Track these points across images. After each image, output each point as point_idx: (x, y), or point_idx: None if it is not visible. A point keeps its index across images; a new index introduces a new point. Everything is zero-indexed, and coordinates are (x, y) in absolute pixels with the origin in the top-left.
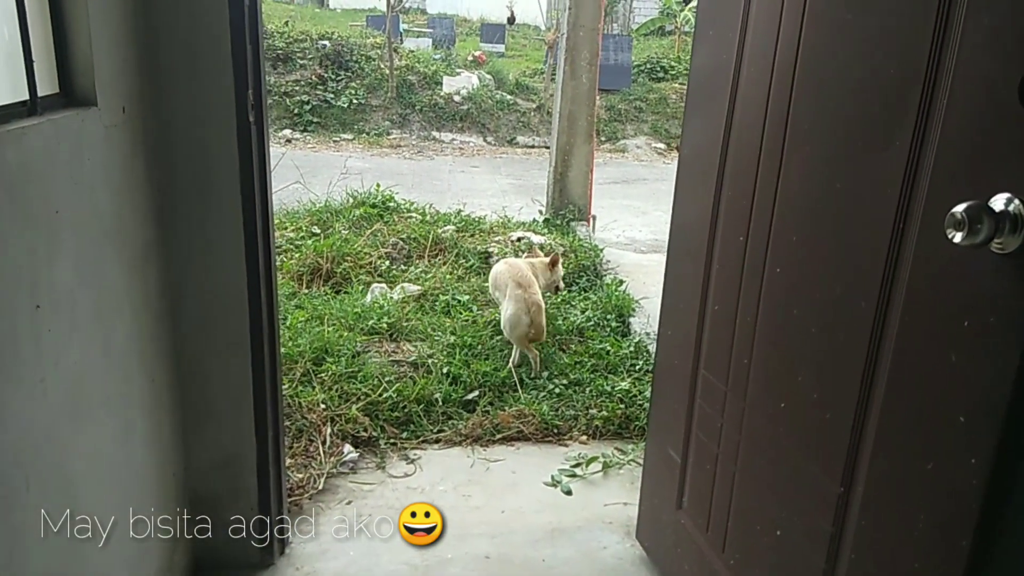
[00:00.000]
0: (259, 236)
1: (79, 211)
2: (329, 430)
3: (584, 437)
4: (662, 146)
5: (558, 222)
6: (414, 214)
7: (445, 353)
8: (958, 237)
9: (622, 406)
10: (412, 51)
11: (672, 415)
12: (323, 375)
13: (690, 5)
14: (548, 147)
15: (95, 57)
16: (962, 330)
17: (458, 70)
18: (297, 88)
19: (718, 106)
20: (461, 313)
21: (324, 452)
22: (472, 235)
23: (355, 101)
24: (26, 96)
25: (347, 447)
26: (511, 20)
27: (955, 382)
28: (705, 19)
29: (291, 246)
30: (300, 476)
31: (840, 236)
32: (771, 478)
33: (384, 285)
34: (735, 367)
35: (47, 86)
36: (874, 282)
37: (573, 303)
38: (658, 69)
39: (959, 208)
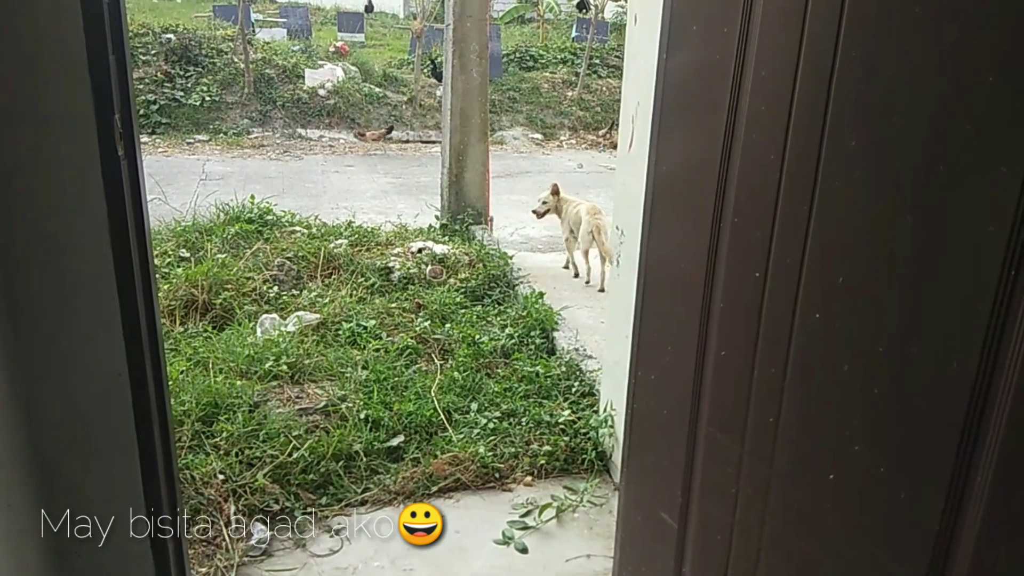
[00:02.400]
0: (140, 304)
1: None
2: (233, 507)
3: (529, 478)
4: (539, 136)
5: (456, 227)
6: (299, 228)
7: (359, 393)
8: None
9: (565, 438)
10: (267, 43)
11: (660, 472)
12: (217, 437)
13: None
14: (424, 141)
15: None
16: None
17: (320, 62)
18: (141, 87)
19: (711, 117)
20: (369, 342)
21: (230, 537)
22: (368, 249)
23: (208, 99)
24: None
25: (257, 526)
26: (369, 8)
27: None
28: (683, 14)
29: (157, 275)
30: (204, 571)
31: (914, 281)
32: (816, 561)
33: (275, 316)
34: (755, 426)
35: None
36: (972, 340)
37: (490, 319)
38: (527, 58)
39: None
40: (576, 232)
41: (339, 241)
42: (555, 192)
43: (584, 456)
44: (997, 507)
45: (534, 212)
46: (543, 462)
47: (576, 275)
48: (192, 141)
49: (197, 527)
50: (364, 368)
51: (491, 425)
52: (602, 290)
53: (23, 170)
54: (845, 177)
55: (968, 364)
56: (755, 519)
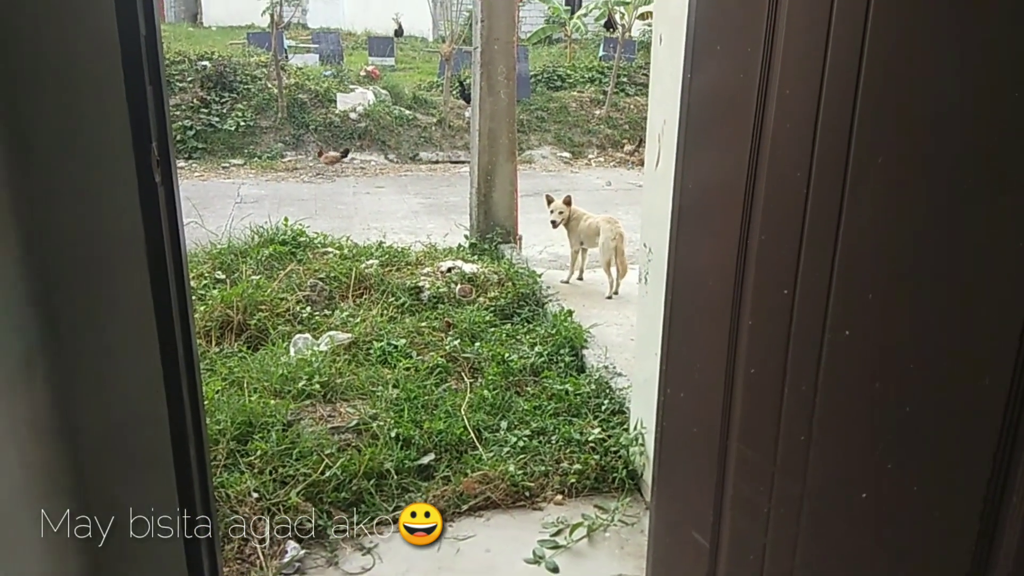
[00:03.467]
0: (177, 326)
1: None
2: (267, 525)
3: (559, 497)
4: (567, 155)
5: (485, 246)
6: (331, 249)
7: (390, 412)
8: None
9: (596, 456)
10: (300, 68)
11: (691, 491)
12: (251, 456)
13: (578, 13)
14: (453, 161)
15: None
16: None
17: (351, 86)
18: (178, 113)
19: (737, 134)
20: (400, 361)
21: (264, 555)
22: (398, 269)
23: (243, 123)
24: None
25: (290, 544)
26: (399, 32)
27: None
28: (707, 33)
29: (194, 297)
30: None
31: (945, 297)
32: None
33: (308, 335)
34: (786, 444)
35: None
36: (1005, 356)
37: (519, 337)
38: (555, 78)
39: None
40: (586, 244)
41: (370, 261)
42: (567, 202)
43: (615, 475)
44: None
45: (552, 223)
46: (573, 480)
47: (567, 281)
48: (227, 165)
49: (232, 545)
50: (395, 387)
51: (521, 443)
52: (610, 297)
53: (64, 197)
54: (873, 193)
55: (1001, 380)
56: (787, 538)
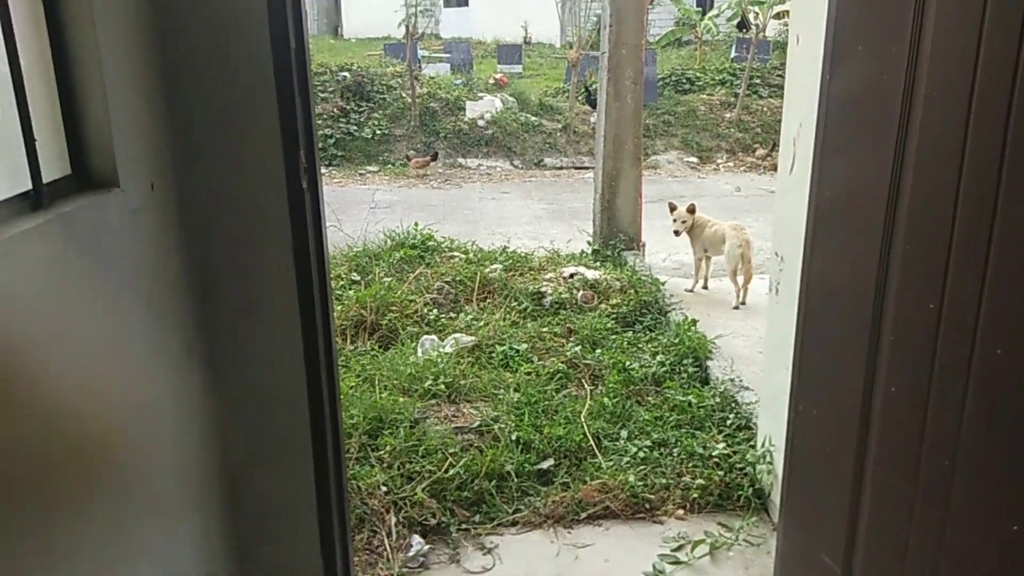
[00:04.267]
0: (319, 324)
1: (101, 314)
2: (394, 519)
3: (680, 511)
4: (694, 160)
5: (608, 252)
6: (457, 253)
7: (511, 415)
8: None
9: (720, 472)
10: (432, 77)
11: (822, 513)
12: (381, 451)
13: (710, 14)
14: (577, 167)
15: (114, 127)
16: None
17: (480, 94)
18: (320, 122)
19: (880, 140)
20: (521, 365)
21: (391, 547)
22: (521, 274)
23: (378, 132)
24: (28, 185)
25: (415, 538)
26: (527, 40)
27: None
28: (847, 33)
29: (332, 297)
30: None
31: None
32: None
33: (434, 337)
34: (928, 468)
35: (56, 169)
36: None
37: (641, 345)
38: (683, 81)
39: None
40: (711, 252)
41: (494, 266)
42: (691, 210)
43: (740, 492)
44: None
45: (675, 232)
46: (696, 495)
47: (691, 289)
48: (364, 172)
49: (361, 535)
50: (516, 390)
51: (641, 454)
52: (737, 307)
53: (222, 201)
54: None
55: None
56: (926, 567)
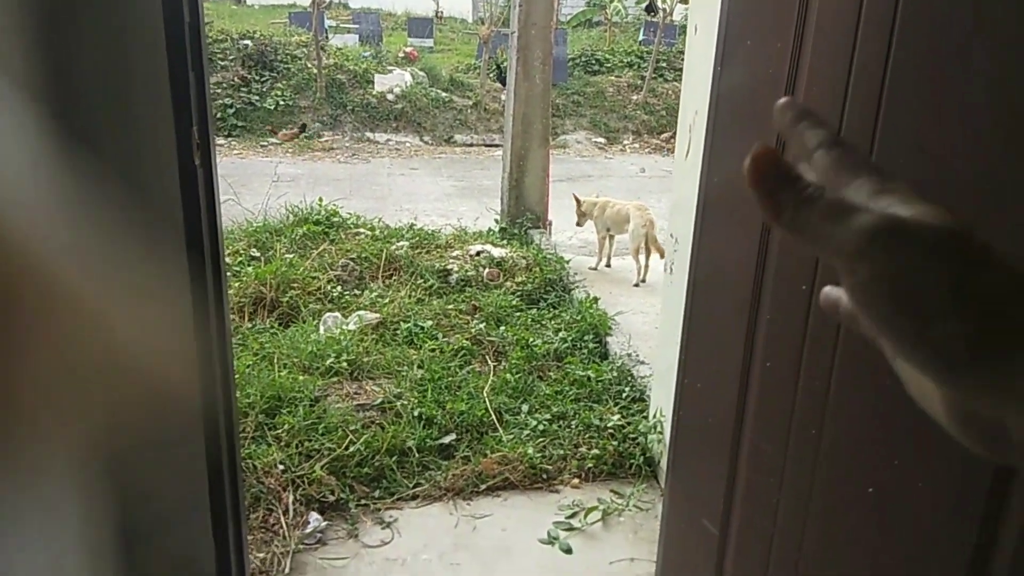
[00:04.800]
0: (211, 302)
1: None
2: (291, 497)
3: (576, 480)
4: (602, 140)
5: (515, 231)
6: (363, 230)
7: (414, 391)
8: None
9: (614, 442)
10: (340, 48)
11: (704, 480)
12: (279, 429)
13: None
14: (488, 145)
15: None
16: None
17: (389, 67)
18: (219, 91)
19: (763, 131)
20: (426, 342)
21: (287, 524)
22: (428, 251)
23: (282, 103)
24: None
25: (313, 515)
26: (439, 14)
27: None
28: (738, 28)
29: (229, 274)
30: (262, 556)
31: None
32: (853, 573)
33: (338, 314)
34: (797, 437)
35: None
36: None
37: (544, 322)
38: (593, 62)
39: None
40: (613, 231)
41: (400, 243)
42: (577, 201)
43: (632, 461)
44: None
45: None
46: (591, 465)
47: (595, 267)
48: (266, 144)
49: (256, 514)
50: (420, 367)
51: (541, 427)
52: (637, 285)
53: (108, 179)
54: None
55: None
56: (795, 529)
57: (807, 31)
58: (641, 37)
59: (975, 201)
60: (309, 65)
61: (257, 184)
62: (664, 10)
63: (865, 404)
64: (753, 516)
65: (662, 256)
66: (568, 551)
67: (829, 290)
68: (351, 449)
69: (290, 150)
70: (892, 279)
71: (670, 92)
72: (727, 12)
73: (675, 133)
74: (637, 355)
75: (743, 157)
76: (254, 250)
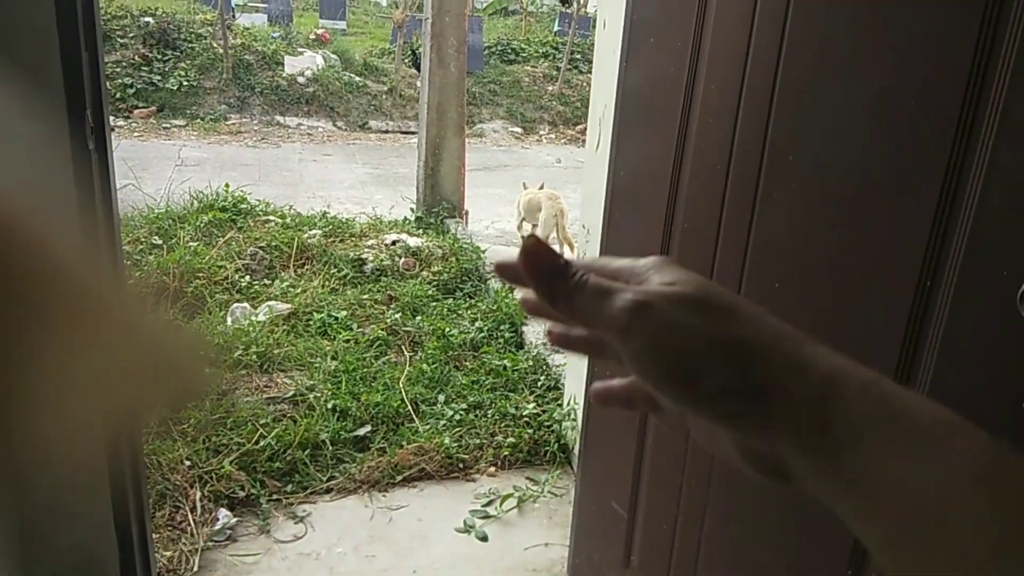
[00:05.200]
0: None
1: None
2: (199, 493)
3: (492, 469)
4: (519, 130)
5: (431, 220)
6: (273, 218)
7: (328, 383)
8: None
9: (529, 430)
10: (247, 28)
11: (613, 463)
12: (184, 424)
13: None
14: (404, 132)
15: None
16: (1019, 411)
17: (300, 49)
18: (118, 70)
19: (665, 126)
20: (340, 333)
21: (195, 521)
22: (342, 240)
23: (186, 83)
24: None
25: (222, 512)
26: None
27: None
28: (641, 26)
29: (129, 263)
30: (169, 554)
31: (842, 289)
32: (752, 552)
33: (246, 305)
34: None
35: None
36: (892, 343)
37: (461, 312)
38: (509, 51)
39: None
40: (527, 219)
41: (313, 231)
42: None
43: (547, 448)
44: None
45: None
46: (507, 453)
47: None
48: (168, 126)
49: (163, 512)
50: (334, 358)
51: (457, 416)
52: None
53: None
54: (783, 189)
55: (887, 368)
56: (698, 510)
57: (706, 30)
58: (556, 28)
59: (859, 177)
60: (215, 45)
61: (159, 168)
62: (578, 2)
63: None
64: (659, 499)
65: (571, 248)
66: (484, 538)
67: (596, 386)
68: (261, 443)
69: (195, 132)
70: (655, 345)
71: (585, 84)
72: (631, 10)
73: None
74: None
75: (648, 150)
76: (156, 238)
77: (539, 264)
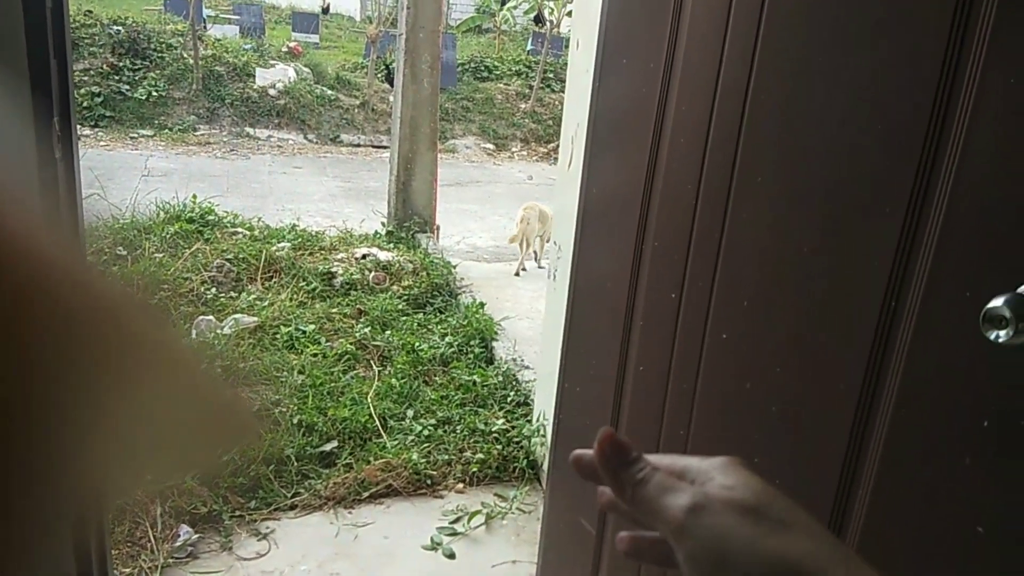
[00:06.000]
0: None
1: None
2: (159, 509)
3: (460, 485)
4: (491, 147)
5: (402, 234)
6: (241, 230)
7: (294, 398)
8: (1003, 336)
9: (498, 446)
10: (219, 40)
11: (582, 480)
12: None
13: (508, 5)
14: (375, 146)
15: None
16: (981, 430)
17: (272, 61)
18: (86, 79)
19: (637, 145)
20: (307, 347)
21: (155, 538)
22: (311, 253)
23: (155, 93)
24: None
25: (183, 528)
26: (325, 9)
27: (971, 488)
28: (614, 47)
29: None
30: (128, 571)
31: (807, 309)
32: None
33: (211, 318)
34: (667, 438)
35: None
36: (856, 365)
37: (431, 327)
38: (482, 68)
39: (997, 302)
40: (536, 231)
41: (282, 244)
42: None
43: (516, 464)
44: (875, 517)
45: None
46: (475, 469)
47: (517, 273)
48: (136, 136)
49: (122, 528)
50: (300, 373)
51: (426, 432)
52: (517, 274)
53: None
54: (752, 209)
55: (852, 386)
56: None
57: (677, 53)
58: (529, 47)
59: (825, 199)
60: (185, 55)
61: (125, 178)
62: (551, 22)
63: (729, 406)
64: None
65: (526, 249)
66: (451, 556)
67: (623, 535)
68: (224, 459)
69: (163, 143)
70: (704, 548)
71: (557, 102)
72: (605, 31)
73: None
74: (522, 360)
75: (620, 170)
76: (120, 248)
77: (611, 455)
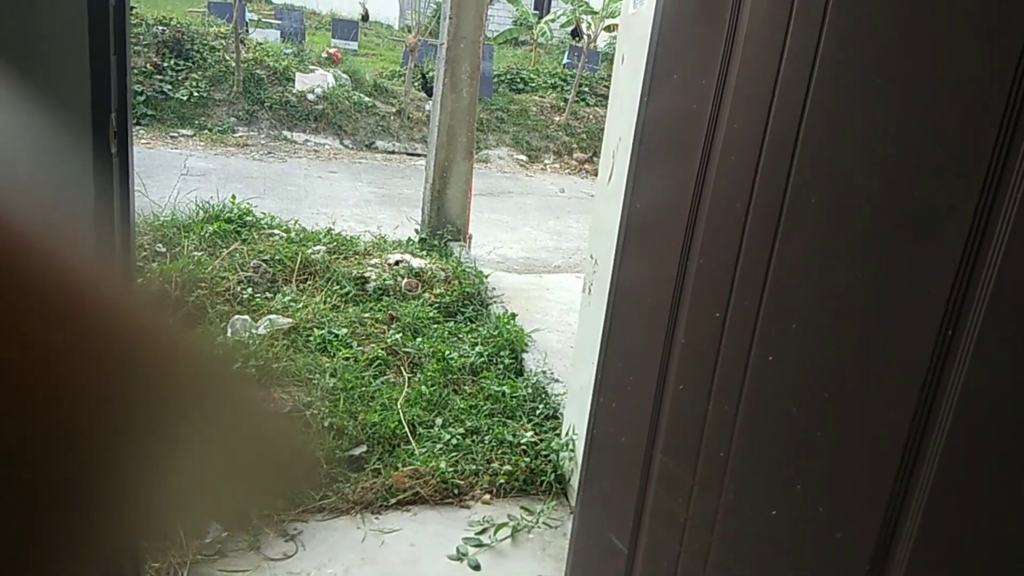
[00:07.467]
0: None
1: None
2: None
3: (487, 496)
4: (524, 158)
5: (435, 242)
6: (278, 231)
7: (325, 401)
8: None
9: (526, 459)
10: (260, 43)
11: (614, 497)
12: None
13: (546, 18)
14: (410, 153)
15: None
16: None
17: (311, 67)
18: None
19: (685, 161)
20: (339, 350)
21: (184, 534)
22: (346, 257)
23: (196, 94)
24: None
25: (212, 525)
26: (364, 17)
27: None
28: (666, 61)
29: None
30: (157, 565)
31: (859, 334)
32: None
33: (247, 317)
34: (706, 459)
35: None
36: (908, 394)
37: (462, 336)
38: (518, 80)
39: None
40: None
41: (317, 247)
42: None
43: (543, 478)
44: (922, 555)
45: None
46: (503, 481)
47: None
48: (176, 135)
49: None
50: (332, 376)
51: (454, 441)
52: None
53: (21, 163)
54: (804, 230)
55: (904, 416)
56: (701, 548)
57: (731, 72)
58: (565, 60)
59: (881, 223)
60: (227, 57)
61: (165, 176)
62: (588, 36)
63: (770, 430)
64: (660, 535)
65: None
66: (476, 567)
67: None
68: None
69: (202, 143)
70: None
71: (591, 116)
72: (656, 47)
73: (592, 156)
74: (552, 373)
75: (666, 185)
76: (160, 245)
77: None
